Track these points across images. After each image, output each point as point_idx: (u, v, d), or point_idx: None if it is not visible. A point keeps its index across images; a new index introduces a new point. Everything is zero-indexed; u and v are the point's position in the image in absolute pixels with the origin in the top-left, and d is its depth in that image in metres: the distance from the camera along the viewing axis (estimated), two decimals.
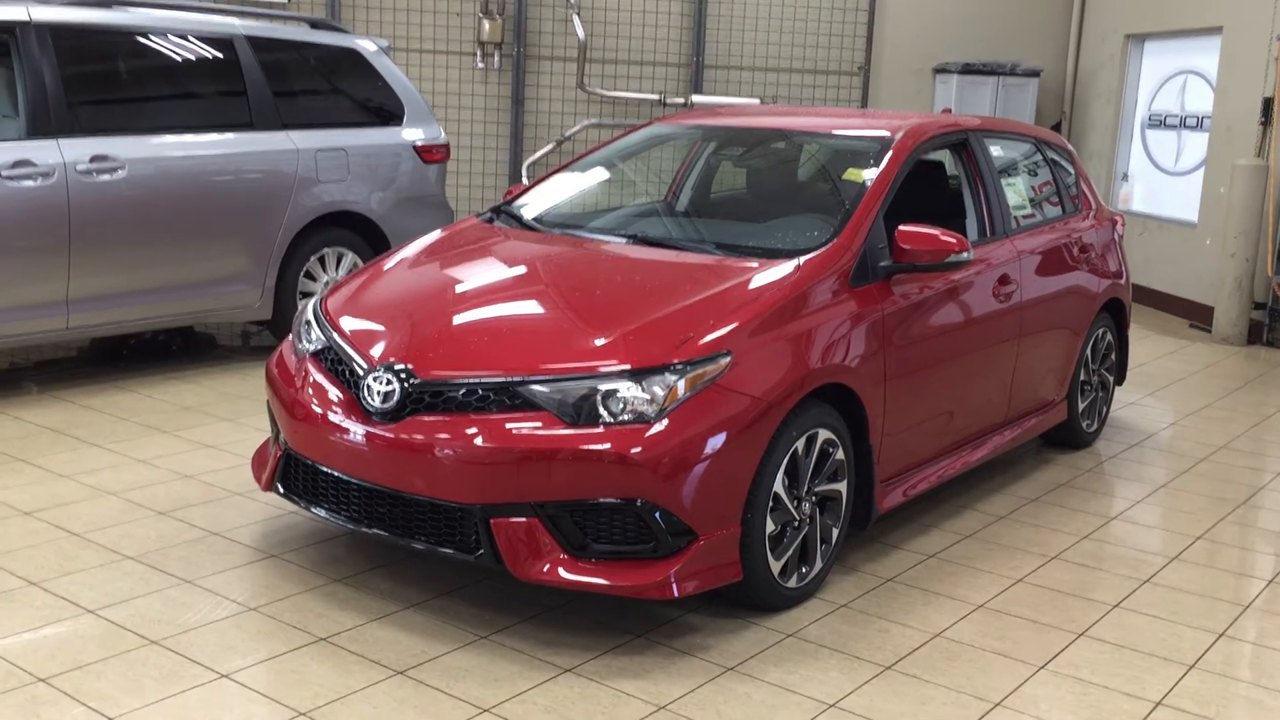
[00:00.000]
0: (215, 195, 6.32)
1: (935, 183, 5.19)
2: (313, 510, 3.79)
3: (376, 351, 3.73)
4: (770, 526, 3.69)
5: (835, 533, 4.02)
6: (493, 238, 4.50)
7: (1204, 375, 7.76)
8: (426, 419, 3.51)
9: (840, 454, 3.96)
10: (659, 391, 3.45)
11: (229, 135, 6.44)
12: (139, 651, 3.37)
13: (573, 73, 10.98)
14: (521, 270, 4.19)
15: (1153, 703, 3.42)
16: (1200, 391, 7.30)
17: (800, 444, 3.76)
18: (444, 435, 3.46)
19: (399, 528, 3.60)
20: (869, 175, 4.42)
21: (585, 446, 3.38)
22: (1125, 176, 11.08)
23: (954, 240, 4.19)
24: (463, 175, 10.96)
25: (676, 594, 3.46)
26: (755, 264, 4.03)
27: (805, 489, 3.83)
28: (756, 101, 11.24)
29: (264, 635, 3.51)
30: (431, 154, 7.40)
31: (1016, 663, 3.62)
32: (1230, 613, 4.07)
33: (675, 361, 3.50)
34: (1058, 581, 4.25)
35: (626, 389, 3.45)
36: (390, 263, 4.39)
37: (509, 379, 3.50)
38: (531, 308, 3.91)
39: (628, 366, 3.48)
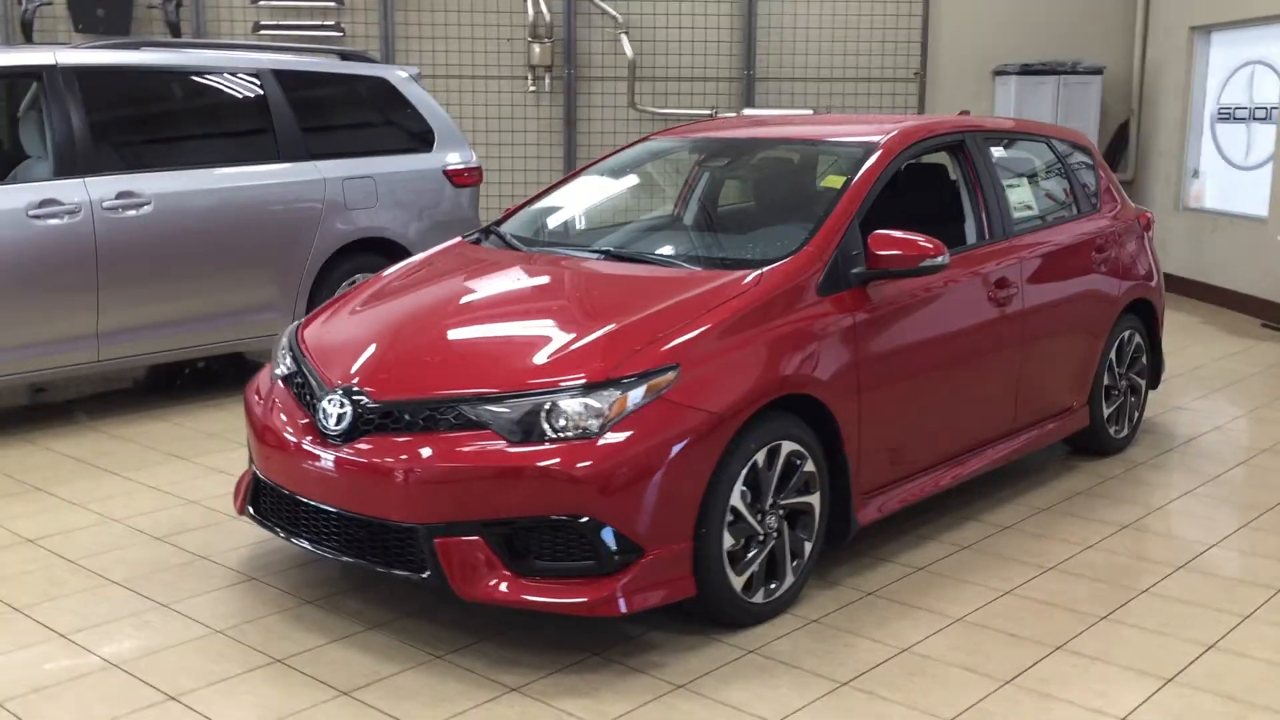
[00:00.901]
0: (241, 226, 6.48)
1: (934, 186, 5.07)
2: (279, 533, 3.85)
3: (335, 374, 3.78)
4: (729, 541, 3.63)
5: (808, 547, 3.95)
6: (470, 258, 4.53)
7: (1265, 376, 7.45)
8: (376, 440, 3.55)
9: (809, 466, 3.89)
10: (602, 407, 3.43)
11: (255, 168, 6.60)
12: (96, 675, 3.45)
13: (624, 92, 11.02)
14: (488, 290, 4.22)
15: (1117, 718, 3.28)
16: (1256, 393, 7.01)
17: (761, 456, 3.70)
18: (390, 456, 3.50)
19: (354, 549, 3.63)
20: (846, 182, 4.35)
21: (526, 464, 3.38)
22: (1196, 173, 10.71)
23: (929, 245, 4.09)
24: (518, 198, 11.06)
25: (623, 610, 3.43)
26: (719, 276, 3.99)
27: (769, 502, 3.76)
28: (809, 112, 11.14)
29: (223, 657, 3.57)
30: (462, 178, 7.49)
31: (981, 678, 3.50)
32: (1225, 624, 3.88)
33: (619, 376, 3.48)
34: (1048, 593, 4.11)
35: (569, 405, 3.44)
36: (370, 287, 4.45)
37: (453, 399, 3.51)
38: (488, 327, 3.92)
39: (572, 382, 3.47)
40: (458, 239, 4.85)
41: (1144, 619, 3.91)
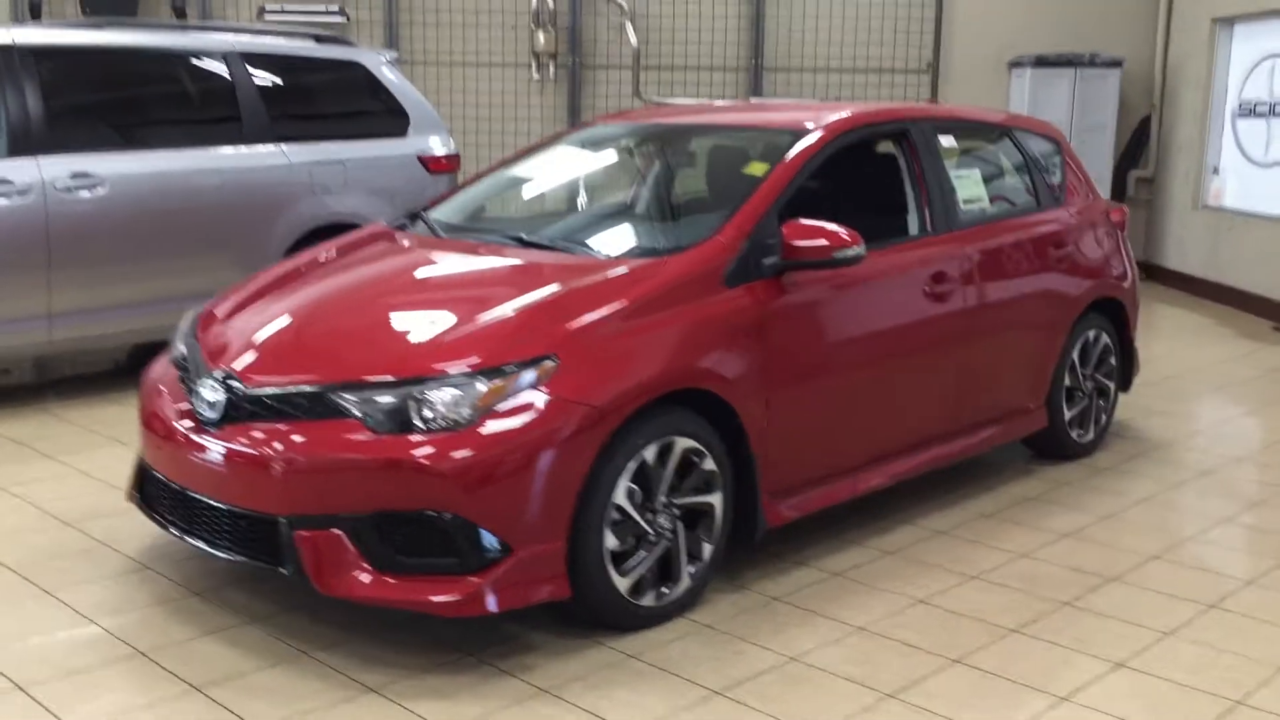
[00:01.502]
0: (202, 209, 6.41)
1: (875, 176, 4.87)
2: (157, 521, 3.76)
3: (217, 360, 3.68)
4: (613, 541, 3.49)
5: (708, 548, 3.79)
6: (380, 243, 4.41)
7: (1263, 381, 7.17)
8: (244, 427, 3.45)
9: (709, 464, 3.73)
10: (469, 398, 3.30)
11: (218, 150, 6.54)
12: None
13: (629, 81, 10.87)
14: (386, 276, 4.10)
15: None
16: (1248, 398, 6.74)
17: (650, 453, 3.55)
18: (256, 444, 3.39)
19: (221, 540, 3.53)
20: (767, 170, 4.18)
21: (386, 456, 3.26)
22: (1216, 170, 10.37)
23: (844, 235, 3.91)
24: None
25: (488, 610, 3.31)
26: (620, 264, 3.84)
27: (661, 501, 3.61)
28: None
29: (84, 648, 3.49)
30: (438, 163, 7.38)
31: (863, 690, 3.33)
32: (1141, 641, 3.67)
33: (490, 366, 3.35)
34: (963, 604, 3.92)
35: (437, 396, 3.31)
36: (277, 270, 4.34)
37: (320, 387, 3.40)
38: (375, 314, 3.79)
39: (440, 372, 3.34)
40: (378, 223, 4.73)
41: (1056, 633, 3.72)
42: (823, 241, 3.89)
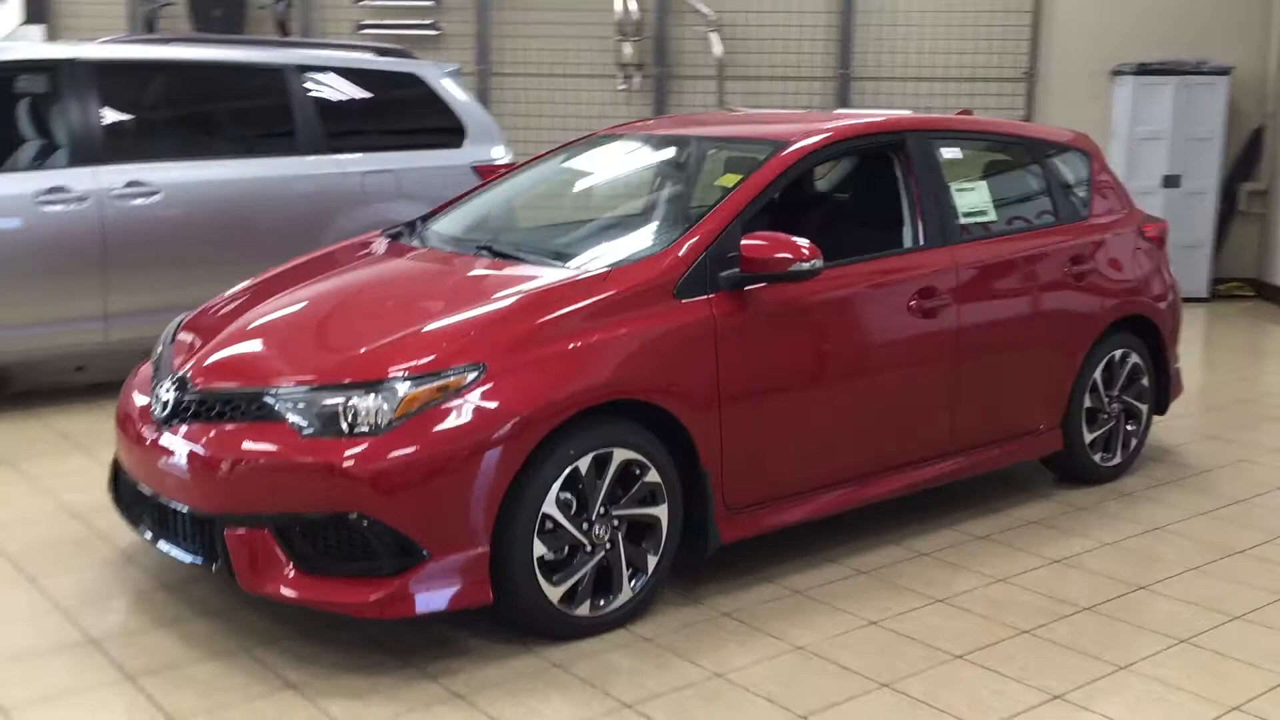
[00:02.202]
0: (252, 215, 6.65)
1: (871, 188, 4.78)
2: (122, 515, 3.93)
3: (178, 361, 3.84)
4: (541, 549, 3.51)
5: (653, 561, 3.78)
6: (362, 252, 4.52)
7: None
8: (188, 428, 3.58)
9: (654, 477, 3.72)
10: (388, 405, 3.37)
11: (271, 160, 6.78)
12: None
13: (714, 91, 10.85)
14: (347, 285, 4.20)
15: None
16: None
17: (584, 464, 3.56)
18: (195, 444, 3.52)
19: (166, 536, 3.67)
20: (737, 183, 4.15)
21: (309, 459, 3.35)
22: None
23: (802, 249, 3.86)
24: None
25: (406, 613, 3.38)
26: (569, 274, 3.86)
27: (597, 512, 3.62)
28: (907, 113, 10.69)
29: (40, 634, 3.66)
30: (493, 174, 7.50)
31: (778, 709, 3.29)
32: (1092, 674, 3.53)
33: (411, 374, 3.41)
34: (916, 628, 3.82)
35: (360, 402, 3.39)
36: (263, 275, 4.48)
37: (254, 390, 3.52)
38: (321, 321, 3.89)
39: (363, 379, 3.43)
40: (374, 232, 4.85)
41: (1001, 662, 3.60)
42: (779, 254, 3.84)
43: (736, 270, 3.90)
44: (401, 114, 7.43)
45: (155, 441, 3.64)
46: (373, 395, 3.39)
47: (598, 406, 3.59)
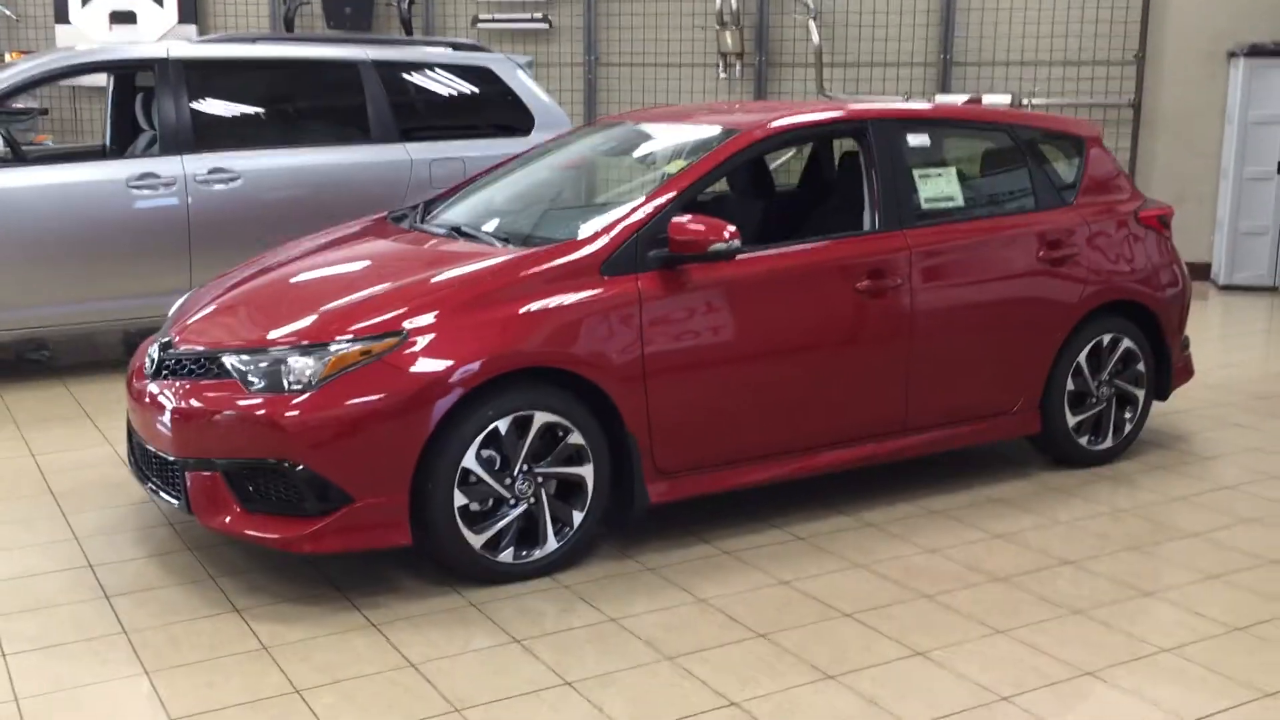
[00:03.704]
0: (326, 199, 7.22)
1: (826, 174, 4.98)
2: (130, 465, 4.50)
3: (173, 326, 4.38)
4: (462, 500, 3.90)
5: (578, 516, 4.12)
6: (358, 231, 4.98)
7: None
8: (162, 383, 4.11)
9: (576, 439, 4.07)
10: (317, 364, 3.81)
11: (344, 148, 7.36)
12: None
13: (814, 78, 11.01)
14: (323, 260, 4.64)
15: (729, 701, 3.29)
16: None
17: (504, 424, 3.94)
18: (166, 397, 4.05)
19: (151, 478, 4.21)
20: (680, 169, 4.44)
21: (246, 411, 3.83)
22: None
23: (721, 230, 4.13)
24: None
25: (331, 549, 3.82)
26: (503, 252, 4.23)
27: (518, 468, 3.99)
28: (1006, 100, 10.65)
29: (47, 559, 4.25)
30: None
31: (651, 650, 3.59)
32: (965, 635, 3.70)
33: (337, 338, 3.85)
34: (823, 589, 4.05)
35: (295, 362, 3.85)
36: (268, 255, 4.99)
37: (206, 351, 4.03)
38: (285, 292, 4.36)
39: (296, 341, 3.88)
40: (379, 214, 5.32)
41: (883, 621, 3.81)
42: (698, 236, 4.12)
43: (664, 250, 4.19)
44: (473, 105, 7.91)
45: (144, 394, 4.18)
46: (306, 357, 3.84)
47: (517, 372, 3.95)
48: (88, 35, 11.92)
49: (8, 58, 12.17)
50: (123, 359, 7.24)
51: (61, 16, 12.11)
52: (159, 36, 11.90)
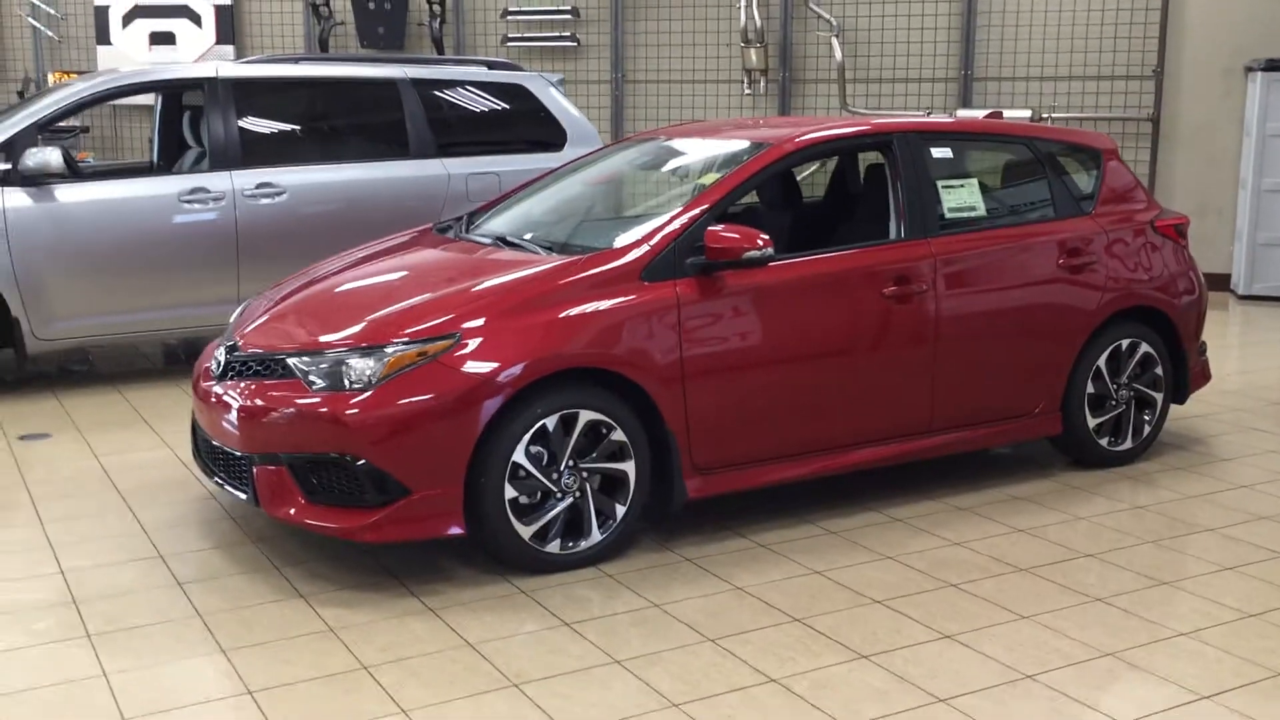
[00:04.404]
0: (367, 212, 7.49)
1: (854, 185, 5.21)
2: (200, 467, 4.75)
3: (237, 330, 4.64)
4: (512, 493, 4.13)
5: (620, 509, 4.35)
6: (406, 240, 5.24)
7: None
8: (229, 383, 4.36)
9: (619, 435, 4.29)
10: (377, 365, 4.05)
11: (384, 163, 7.63)
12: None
13: (837, 94, 11.24)
14: (378, 267, 4.89)
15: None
16: None
17: (552, 421, 4.17)
18: (234, 396, 4.29)
19: (219, 473, 4.46)
20: (715, 181, 4.68)
21: (311, 409, 4.07)
22: None
23: (754, 238, 4.36)
24: None
25: (391, 538, 4.07)
26: (551, 260, 4.47)
27: (565, 463, 4.22)
28: (1026, 115, 10.85)
29: (123, 548, 4.50)
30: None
31: (693, 633, 3.81)
32: (992, 620, 3.91)
33: (396, 340, 4.09)
34: (854, 578, 4.26)
35: (355, 362, 4.09)
36: (331, 262, 5.24)
37: (278, 354, 4.27)
38: (346, 297, 4.62)
39: (356, 344, 4.13)
40: (426, 225, 5.57)
41: (914, 607, 4.01)
42: (733, 244, 4.35)
43: (701, 257, 4.42)
44: (508, 121, 8.18)
45: (211, 394, 4.43)
46: (367, 358, 4.08)
47: (564, 372, 4.18)
48: (128, 56, 12.27)
49: (51, 78, 12.55)
50: (161, 368, 7.53)
51: (103, 38, 12.45)
52: (197, 57, 12.23)
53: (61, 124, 10.96)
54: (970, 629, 3.86)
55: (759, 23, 11.11)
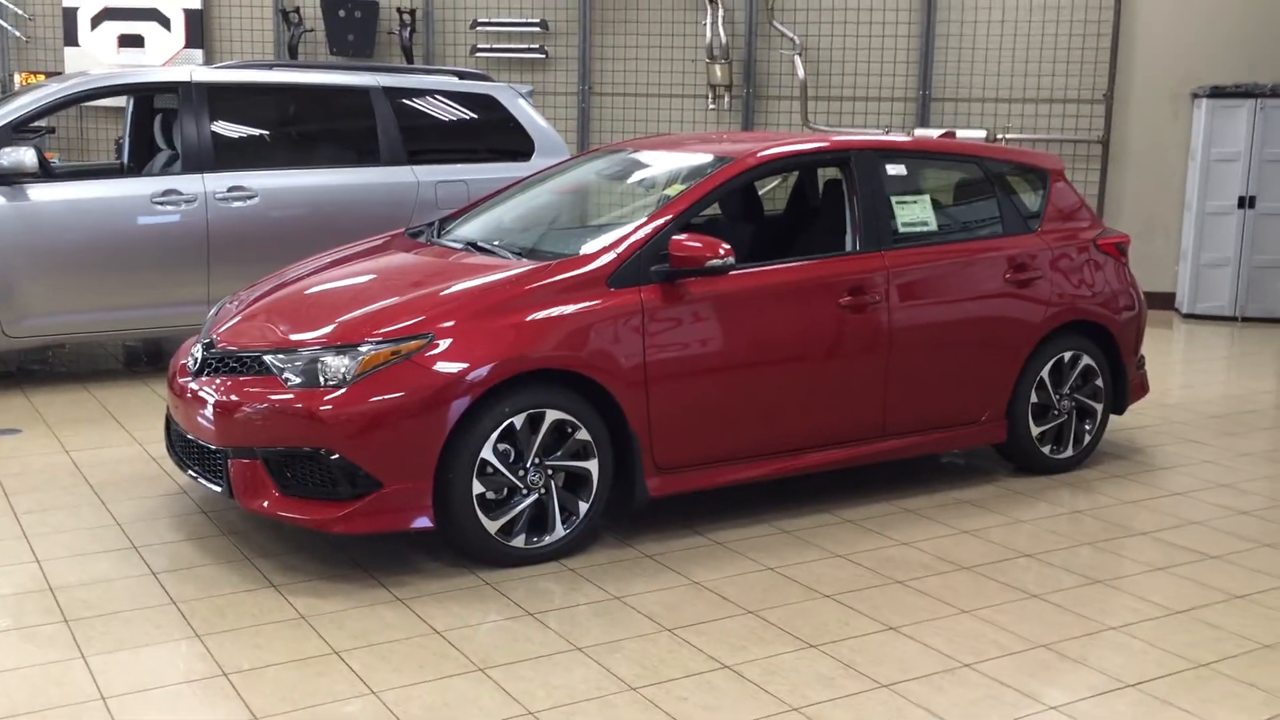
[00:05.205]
0: (338, 217, 7.62)
1: (811, 199, 5.43)
2: (171, 456, 4.88)
3: (214, 329, 4.78)
4: (479, 488, 4.30)
5: (583, 506, 4.52)
6: (379, 244, 5.40)
7: None
8: (205, 380, 4.51)
9: (583, 435, 4.47)
10: (351, 363, 4.21)
11: (355, 169, 7.78)
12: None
13: (799, 110, 11.49)
14: (351, 269, 5.06)
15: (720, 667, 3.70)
16: None
17: (519, 420, 4.34)
18: (210, 392, 4.44)
19: (193, 466, 4.60)
20: (679, 192, 4.88)
21: (287, 405, 4.22)
22: None
23: (716, 248, 4.55)
24: None
25: (363, 530, 4.22)
26: (520, 265, 4.65)
27: (531, 461, 4.39)
28: (981, 135, 11.15)
29: (96, 540, 4.62)
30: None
31: (653, 623, 3.98)
32: (935, 614, 4.12)
33: (370, 339, 4.25)
34: (806, 574, 4.46)
35: (330, 360, 4.25)
36: (303, 264, 5.39)
37: (248, 350, 4.42)
38: (316, 299, 4.77)
39: (332, 342, 4.29)
40: (398, 230, 5.73)
41: (859, 600, 4.21)
42: (696, 253, 4.55)
43: (666, 265, 4.62)
44: (477, 130, 8.35)
45: (188, 390, 4.57)
46: (341, 356, 4.24)
47: (532, 373, 4.36)
48: (96, 58, 12.32)
49: (18, 80, 12.58)
50: (123, 368, 7.63)
51: (71, 39, 12.50)
52: (166, 60, 12.31)
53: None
54: (914, 621, 4.06)
55: (724, 39, 11.34)
